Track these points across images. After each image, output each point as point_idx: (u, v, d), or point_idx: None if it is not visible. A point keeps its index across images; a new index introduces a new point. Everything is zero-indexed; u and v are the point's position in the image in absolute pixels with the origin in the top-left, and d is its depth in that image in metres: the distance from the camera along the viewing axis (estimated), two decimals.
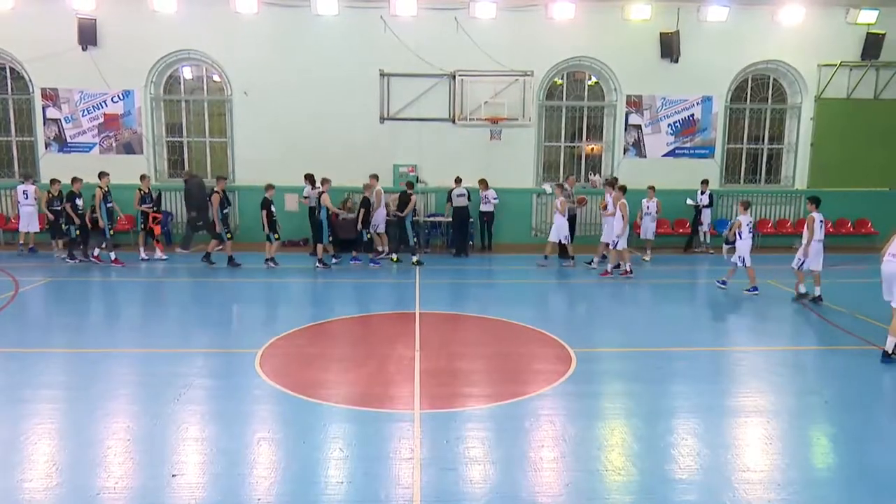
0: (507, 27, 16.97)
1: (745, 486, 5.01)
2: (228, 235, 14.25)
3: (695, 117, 17.95)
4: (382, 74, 17.14)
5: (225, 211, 14.25)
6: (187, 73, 17.79)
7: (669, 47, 17.18)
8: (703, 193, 16.80)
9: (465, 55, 16.92)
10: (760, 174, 18.93)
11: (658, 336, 9.50)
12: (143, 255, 14.60)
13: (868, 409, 6.68)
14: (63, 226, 14.54)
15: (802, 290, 11.57)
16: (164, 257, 14.76)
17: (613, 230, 13.38)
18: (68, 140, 17.26)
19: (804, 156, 18.41)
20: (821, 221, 11.47)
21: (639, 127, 17.92)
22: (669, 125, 17.95)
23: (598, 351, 8.62)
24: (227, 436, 5.83)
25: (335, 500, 4.76)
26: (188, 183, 15.88)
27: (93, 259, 14.22)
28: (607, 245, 13.79)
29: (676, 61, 17.31)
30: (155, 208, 14.88)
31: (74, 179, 14.30)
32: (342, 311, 10.52)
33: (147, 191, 14.72)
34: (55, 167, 17.04)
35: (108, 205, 14.14)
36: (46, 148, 17.29)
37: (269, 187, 14.14)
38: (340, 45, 16.93)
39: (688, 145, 18.09)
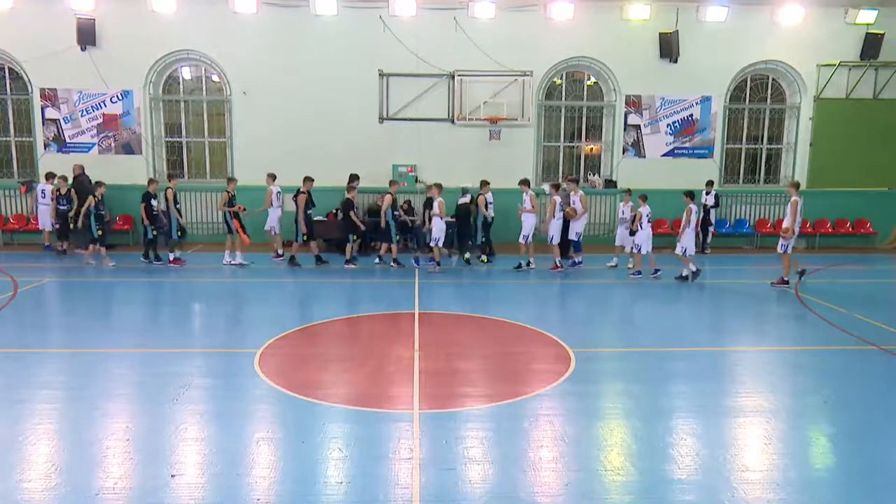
0: (506, 27, 16.99)
1: (745, 486, 5.00)
2: (305, 237, 14.16)
3: (694, 117, 17.97)
4: (381, 74, 17.15)
5: (309, 212, 14.19)
6: (186, 73, 17.80)
7: (668, 47, 17.20)
8: (707, 194, 16.83)
9: (464, 55, 16.94)
10: (759, 174, 18.95)
11: (657, 336, 9.50)
12: (227, 259, 14.26)
13: (867, 409, 6.67)
14: (81, 227, 14.58)
15: (693, 268, 12.97)
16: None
17: (524, 228, 13.97)
18: (67, 140, 17.26)
19: (803, 156, 18.45)
20: (694, 213, 13.14)
21: (638, 127, 17.94)
22: (668, 125, 17.96)
23: (597, 351, 8.61)
24: (226, 436, 5.83)
25: (334, 500, 4.75)
26: (77, 179, 15.69)
27: (170, 263, 14.09)
28: (525, 245, 14.19)
29: (675, 61, 17.33)
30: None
31: (151, 181, 14.31)
32: (342, 312, 10.51)
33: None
34: (54, 167, 17.05)
35: (177, 205, 14.28)
36: (45, 148, 17.29)
37: (352, 189, 14.27)
38: (339, 45, 16.94)
39: (687, 145, 18.11)
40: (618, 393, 7.16)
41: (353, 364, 7.93)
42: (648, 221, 13.37)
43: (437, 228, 13.87)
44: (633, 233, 13.70)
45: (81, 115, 17.19)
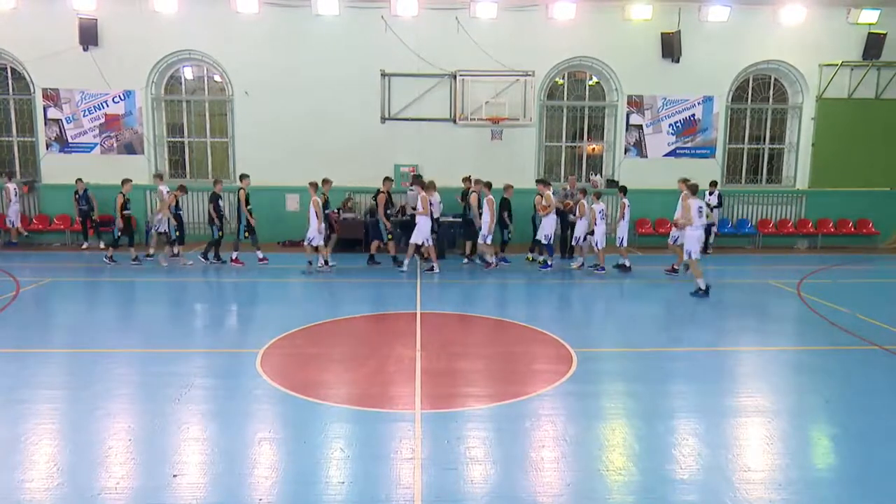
0: (507, 27, 16.98)
1: (746, 486, 5.00)
2: (390, 237, 14.29)
3: (696, 117, 17.95)
4: (383, 74, 17.15)
5: (388, 212, 14.39)
6: (188, 73, 17.81)
7: (670, 47, 17.18)
8: (711, 194, 16.82)
9: (465, 55, 16.93)
10: (762, 174, 18.92)
11: (659, 336, 9.50)
12: (321, 261, 14.00)
13: (869, 409, 6.66)
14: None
15: (628, 262, 13.97)
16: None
17: (419, 230, 13.57)
18: (69, 140, 17.28)
19: (805, 156, 18.42)
20: (628, 206, 14.01)
21: (640, 127, 17.93)
22: (670, 125, 17.95)
23: (599, 351, 8.61)
24: (228, 436, 5.83)
25: (336, 500, 4.76)
26: None
27: (232, 262, 14.18)
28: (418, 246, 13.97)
29: (677, 61, 17.31)
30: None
31: (217, 181, 14.32)
32: (343, 311, 10.52)
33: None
34: (56, 167, 17.11)
35: (248, 206, 14.26)
36: (48, 148, 17.31)
37: (429, 187, 14.37)
38: (341, 45, 16.95)
39: (689, 145, 18.09)
40: (619, 393, 7.16)
41: (355, 364, 7.93)
42: (602, 218, 13.81)
43: (313, 228, 13.53)
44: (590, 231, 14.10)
45: (83, 115, 17.21)
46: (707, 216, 11.78)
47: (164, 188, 14.93)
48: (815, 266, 15.00)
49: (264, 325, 9.75)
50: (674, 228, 13.47)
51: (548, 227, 14.19)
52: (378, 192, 14.34)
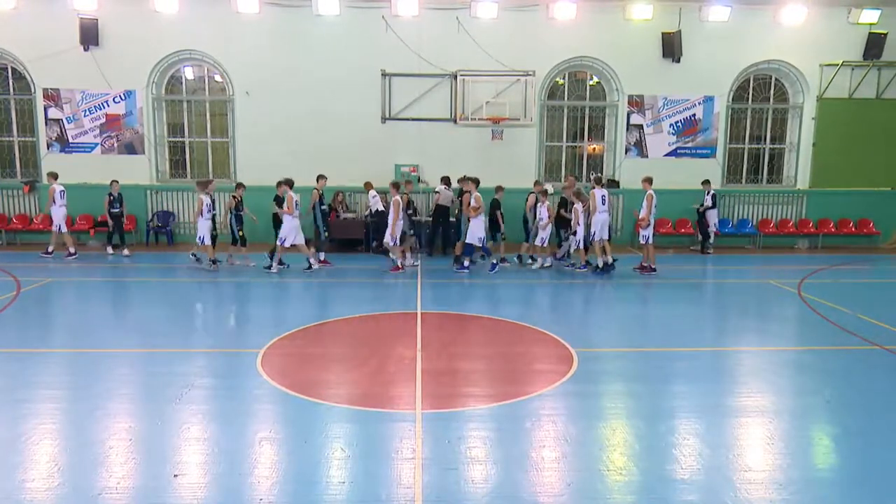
0: (508, 27, 17.00)
1: (747, 486, 5.00)
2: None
3: (696, 117, 17.95)
4: (384, 74, 17.16)
5: (323, 208, 14.60)
6: (189, 73, 17.83)
7: (671, 47, 17.18)
8: (707, 194, 16.81)
9: (466, 55, 16.95)
10: (762, 174, 18.93)
11: (659, 336, 9.50)
12: (410, 261, 14.17)
13: (870, 409, 6.66)
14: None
15: (601, 262, 13.89)
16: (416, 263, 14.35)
17: (283, 231, 13.53)
18: (70, 140, 17.29)
19: (806, 156, 18.43)
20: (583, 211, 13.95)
21: (640, 127, 17.94)
22: (671, 125, 17.95)
23: (599, 351, 8.61)
24: (228, 436, 5.83)
25: (337, 500, 4.76)
26: None
27: (317, 265, 13.89)
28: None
29: (678, 61, 17.32)
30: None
31: (279, 183, 13.72)
32: (344, 312, 10.51)
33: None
34: (57, 167, 17.08)
35: (323, 207, 14.39)
36: (48, 148, 17.33)
37: (499, 190, 14.59)
38: (342, 45, 16.96)
39: (689, 145, 18.10)
40: (620, 393, 7.15)
41: (356, 364, 7.93)
42: (584, 218, 13.84)
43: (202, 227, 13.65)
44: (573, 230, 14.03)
45: (84, 115, 17.23)
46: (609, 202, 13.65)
47: (57, 188, 14.76)
48: (816, 266, 15.00)
49: (265, 325, 9.75)
50: (640, 228, 13.66)
51: (477, 229, 13.57)
52: (461, 192, 14.32)
